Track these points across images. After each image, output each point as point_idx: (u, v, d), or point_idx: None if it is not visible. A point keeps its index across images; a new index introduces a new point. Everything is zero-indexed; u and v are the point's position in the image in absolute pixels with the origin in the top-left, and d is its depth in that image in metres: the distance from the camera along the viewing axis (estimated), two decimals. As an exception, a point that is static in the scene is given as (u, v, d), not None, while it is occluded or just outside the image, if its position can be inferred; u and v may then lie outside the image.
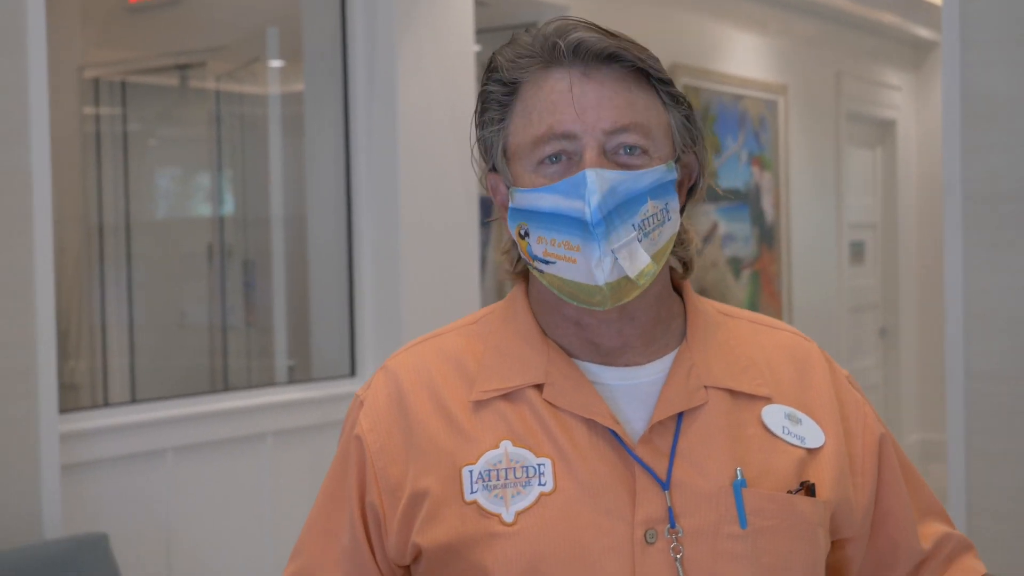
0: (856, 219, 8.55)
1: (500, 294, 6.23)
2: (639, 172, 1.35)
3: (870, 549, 1.51)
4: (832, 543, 1.47)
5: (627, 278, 1.33)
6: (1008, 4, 3.00)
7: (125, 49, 5.91)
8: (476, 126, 1.46)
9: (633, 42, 1.41)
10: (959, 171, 3.07)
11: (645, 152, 1.36)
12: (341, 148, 4.68)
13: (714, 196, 6.83)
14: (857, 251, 8.60)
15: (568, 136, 1.35)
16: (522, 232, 1.39)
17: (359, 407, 1.48)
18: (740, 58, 7.23)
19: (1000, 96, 3.02)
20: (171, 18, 5.62)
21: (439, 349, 1.48)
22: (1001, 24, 3.01)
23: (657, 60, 1.40)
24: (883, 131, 9.02)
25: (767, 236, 7.44)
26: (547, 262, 1.37)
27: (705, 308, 1.50)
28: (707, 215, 6.89)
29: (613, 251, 1.33)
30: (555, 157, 1.37)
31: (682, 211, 1.43)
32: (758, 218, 7.37)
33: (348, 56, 4.65)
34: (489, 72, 1.43)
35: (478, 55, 4.95)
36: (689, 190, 1.46)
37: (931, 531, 1.54)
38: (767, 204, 7.44)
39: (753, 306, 7.19)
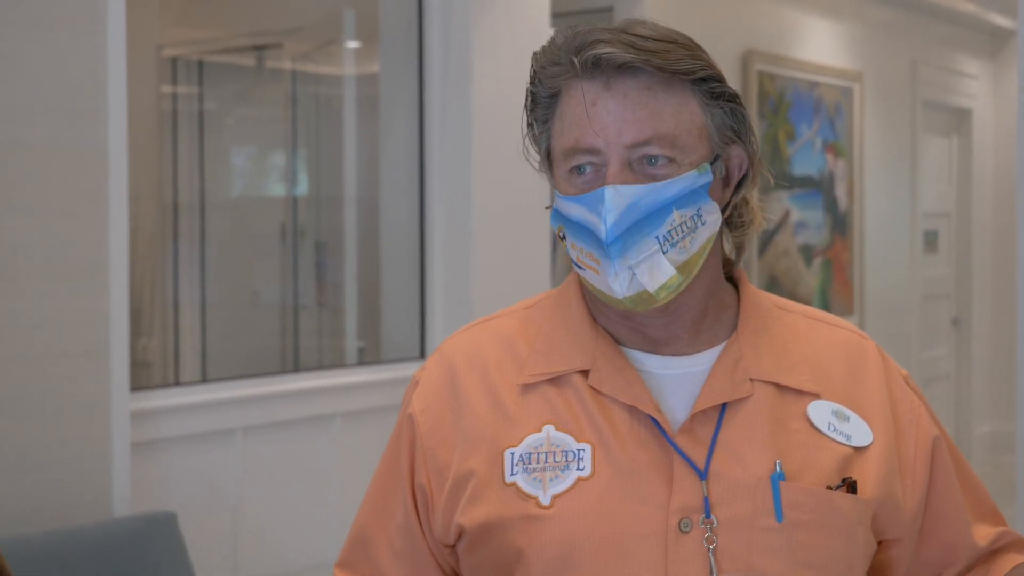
0: (930, 208, 8.48)
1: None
2: (663, 184, 1.34)
3: (923, 552, 1.48)
4: (879, 543, 1.45)
5: (646, 291, 1.34)
6: None
7: (203, 29, 5.97)
8: (527, 122, 1.48)
9: (671, 42, 1.36)
10: None
11: (672, 161, 1.35)
12: (415, 130, 4.68)
13: (786, 182, 6.83)
14: (931, 240, 8.53)
15: (592, 151, 1.36)
16: (561, 235, 1.42)
17: (414, 387, 1.51)
18: (815, 44, 7.17)
19: None
20: (249, 0, 5.67)
21: (494, 332, 1.49)
22: None
23: (695, 57, 1.37)
24: (959, 120, 8.92)
25: (840, 224, 7.38)
26: (580, 267, 1.40)
27: (760, 301, 1.48)
28: (780, 202, 6.84)
29: (631, 267, 1.33)
30: (581, 169, 1.37)
31: (725, 208, 1.42)
32: (831, 206, 7.31)
33: (424, 38, 4.64)
34: (532, 75, 1.44)
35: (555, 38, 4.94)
36: (741, 181, 1.45)
37: (985, 532, 1.51)
38: (840, 192, 7.38)
39: (824, 294, 7.15)
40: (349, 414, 4.32)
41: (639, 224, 1.32)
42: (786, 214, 6.91)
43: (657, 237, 1.33)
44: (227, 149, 6.15)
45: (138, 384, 3.91)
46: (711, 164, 1.37)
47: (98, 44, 3.41)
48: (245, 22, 5.82)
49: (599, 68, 1.35)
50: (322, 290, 5.59)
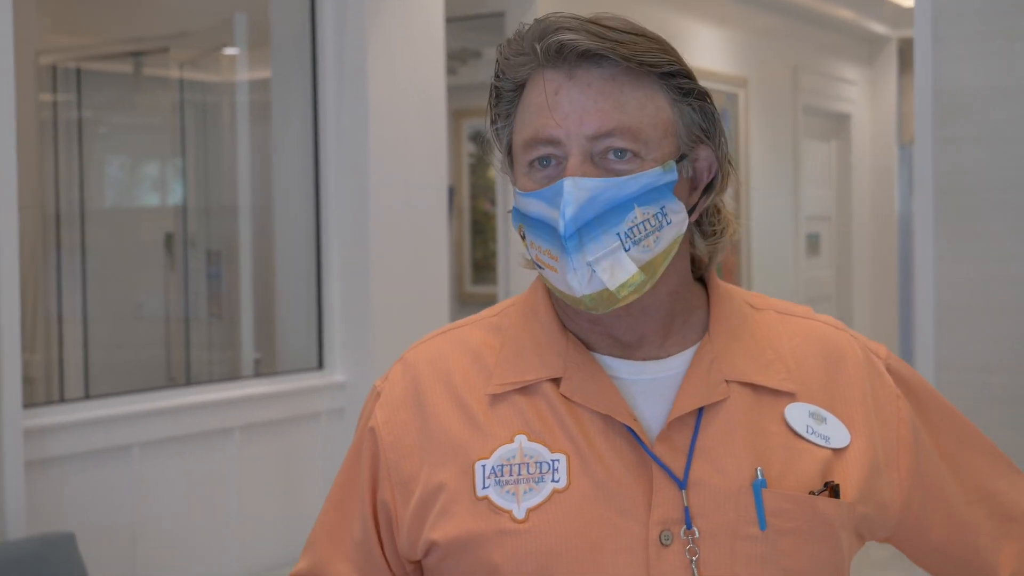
0: (812, 211, 8.65)
1: (458, 275, 6.22)
2: (623, 179, 1.30)
3: (933, 539, 1.46)
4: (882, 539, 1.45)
5: (607, 289, 1.30)
6: (978, 1, 3.05)
7: (82, 35, 5.88)
8: (490, 118, 1.42)
9: (637, 35, 1.33)
10: (930, 163, 3.13)
11: (636, 156, 1.31)
12: (309, 135, 4.65)
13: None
14: (813, 243, 8.69)
15: (552, 142, 1.32)
16: (522, 234, 1.38)
17: (376, 398, 1.46)
18: (701, 51, 7.26)
19: (969, 90, 3.10)
20: (132, 2, 5.58)
21: (458, 341, 1.45)
22: (971, 20, 3.08)
23: (663, 52, 1.33)
24: (838, 124, 9.12)
25: (727, 228, 7.47)
26: (540, 267, 1.36)
27: (732, 299, 1.45)
28: (669, 207, 6.91)
29: (590, 263, 1.29)
30: (544, 160, 1.33)
31: (692, 210, 1.38)
32: (718, 210, 7.39)
33: (317, 42, 4.62)
34: (496, 69, 1.40)
35: (446, 44, 4.96)
36: (711, 183, 1.40)
37: (1006, 507, 1.49)
38: (727, 195, 7.46)
39: (712, 298, 7.24)
40: (248, 426, 4.29)
41: (599, 219, 1.28)
42: (675, 218, 6.98)
43: (618, 234, 1.29)
44: (107, 158, 6.05)
45: (30, 403, 3.84)
46: (677, 163, 1.33)
47: (-19, 49, 3.35)
48: (127, 28, 5.74)
49: (562, 56, 1.31)
50: (215, 301, 5.52)
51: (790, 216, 8.26)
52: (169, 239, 5.65)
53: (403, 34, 4.66)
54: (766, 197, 7.94)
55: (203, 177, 5.69)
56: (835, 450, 1.36)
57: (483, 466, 1.33)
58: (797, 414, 1.37)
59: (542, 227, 1.31)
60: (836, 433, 1.37)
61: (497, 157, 1.43)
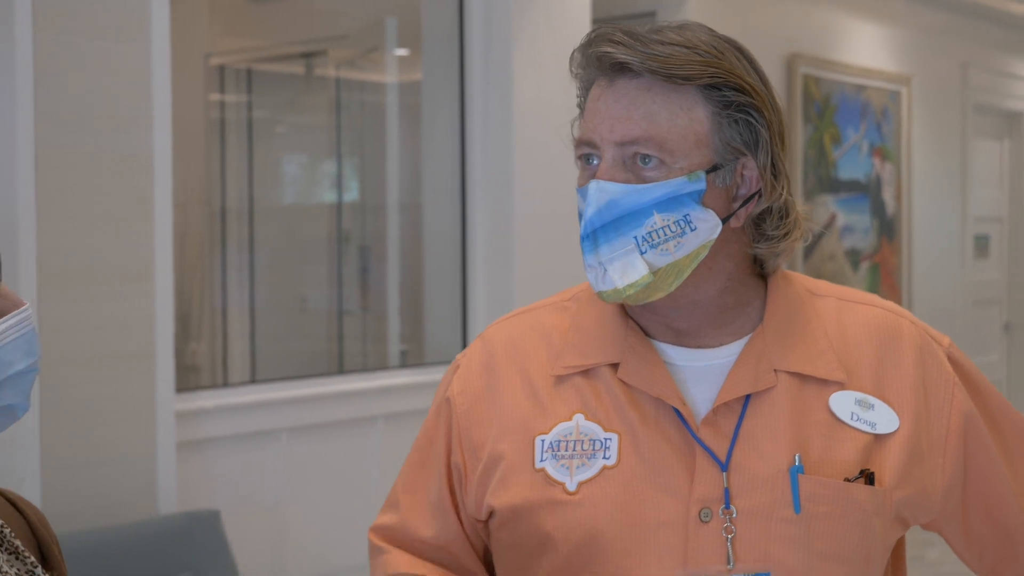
0: (981, 212, 8.37)
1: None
2: (645, 186, 1.34)
3: (974, 530, 1.47)
4: (924, 525, 1.46)
5: (616, 288, 1.35)
6: None
7: (251, 38, 5.99)
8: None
9: (682, 46, 1.35)
10: None
11: (663, 163, 1.35)
12: (457, 136, 4.69)
13: (833, 186, 6.76)
14: (981, 244, 8.43)
15: (591, 144, 1.39)
16: None
17: (454, 370, 1.54)
18: (862, 48, 7.12)
19: None
20: (295, 7, 5.68)
21: (533, 322, 1.52)
22: None
23: (709, 65, 1.35)
24: (1011, 123, 8.81)
25: (887, 228, 7.33)
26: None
27: (792, 288, 1.48)
28: (825, 206, 6.81)
29: (603, 263, 1.35)
30: (587, 159, 1.40)
31: (727, 218, 1.39)
32: (878, 209, 7.26)
33: (465, 46, 4.65)
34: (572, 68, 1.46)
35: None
36: (754, 196, 1.41)
37: None
38: (888, 195, 7.33)
39: (872, 299, 7.08)
40: (392, 416, 4.34)
41: (617, 222, 1.34)
42: (832, 218, 6.88)
43: (635, 237, 1.34)
44: (276, 156, 6.18)
45: (188, 386, 3.94)
46: (709, 172, 1.36)
47: (143, 52, 3.46)
48: (292, 30, 5.84)
49: (604, 66, 1.37)
50: (366, 294, 5.60)
51: (956, 216, 8.04)
52: (329, 236, 5.76)
53: (549, 36, 4.67)
54: (930, 197, 7.74)
55: (359, 176, 5.78)
56: (878, 436, 1.39)
57: (542, 440, 1.40)
58: (843, 402, 1.40)
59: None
60: (883, 419, 1.40)
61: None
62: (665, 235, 1.35)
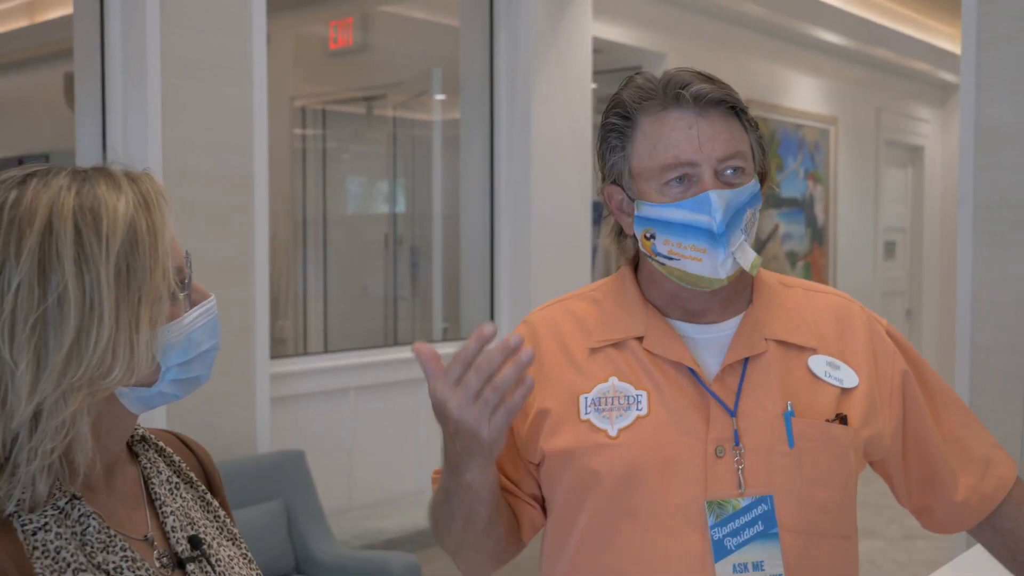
0: (890, 224, 8.37)
1: (606, 271, 6.19)
2: (742, 189, 1.33)
3: (909, 469, 1.46)
4: (872, 463, 1.45)
5: (740, 269, 1.33)
6: (1014, 54, 2.96)
7: (326, 84, 6.00)
8: (599, 150, 1.43)
9: (725, 84, 1.37)
10: (972, 185, 3.04)
11: (744, 172, 1.34)
12: (487, 162, 4.70)
13: (777, 202, 6.74)
14: (890, 249, 8.43)
15: (690, 164, 1.33)
16: (648, 235, 1.38)
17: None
18: (799, 95, 7.12)
19: (1006, 126, 2.99)
20: (361, 61, 5.69)
21: (567, 309, 1.49)
22: (1008, 69, 2.99)
23: (741, 101, 1.37)
24: (913, 155, 8.81)
25: (818, 235, 7.32)
26: (671, 259, 1.36)
27: (769, 279, 1.47)
28: (770, 218, 6.79)
29: (732, 252, 1.33)
30: (679, 179, 1.35)
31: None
32: (811, 221, 7.25)
33: (494, 92, 4.67)
34: (612, 108, 1.41)
35: (595, 91, 4.95)
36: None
37: (968, 449, 1.47)
38: (819, 210, 7.32)
39: (805, 291, 7.10)
40: (436, 378, 4.35)
41: (733, 219, 1.33)
42: (776, 227, 6.87)
43: (742, 229, 1.33)
44: (344, 177, 6.19)
45: (276, 354, 3.95)
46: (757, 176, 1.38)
47: (246, 95, 3.47)
48: (358, 78, 5.86)
49: (697, 101, 1.34)
50: (415, 284, 5.60)
51: (871, 227, 8.03)
52: (386, 238, 5.76)
53: (560, 84, 4.68)
54: (852, 212, 7.74)
55: (410, 192, 5.79)
56: (845, 389, 1.38)
57: (585, 398, 1.37)
58: (817, 363, 1.39)
59: (689, 229, 1.33)
60: (847, 377, 1.39)
61: (598, 179, 1.45)
62: (752, 224, 1.36)
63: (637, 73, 1.40)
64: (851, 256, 7.69)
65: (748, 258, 1.33)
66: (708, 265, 1.34)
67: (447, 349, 4.35)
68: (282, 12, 5.08)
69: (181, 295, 1.01)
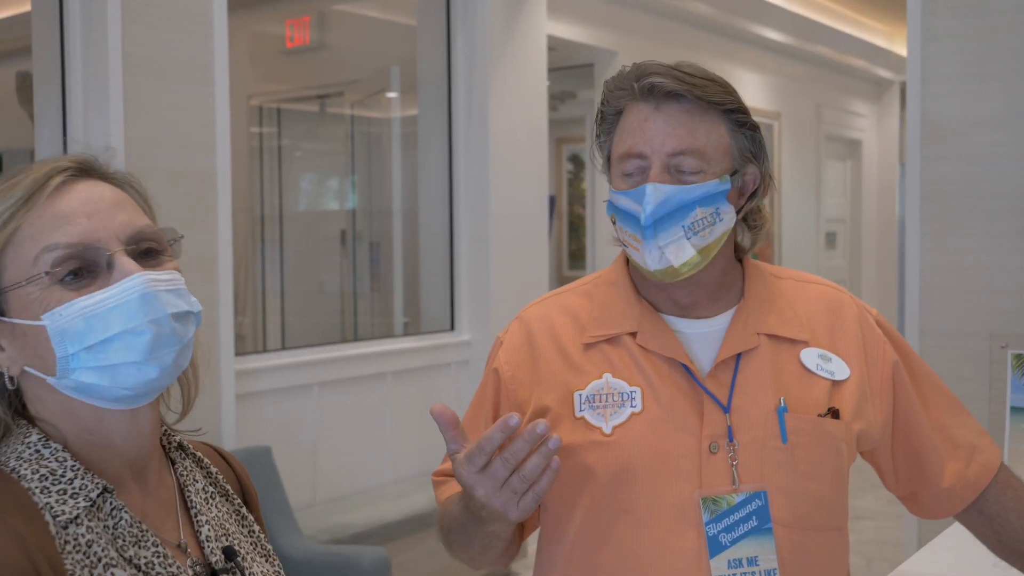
0: (830, 215, 8.46)
1: (557, 265, 6.16)
2: (690, 187, 1.30)
3: (898, 458, 1.45)
4: (863, 453, 1.44)
5: (672, 266, 1.31)
6: (957, 51, 3.00)
7: (282, 83, 5.95)
8: (596, 136, 1.43)
9: (710, 80, 1.34)
10: (919, 176, 3.07)
11: (701, 170, 1.31)
12: (445, 158, 4.67)
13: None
14: (831, 239, 8.52)
15: (641, 155, 1.33)
16: (613, 220, 1.38)
17: (499, 346, 1.47)
18: (744, 91, 7.04)
19: (950, 120, 3.03)
20: (318, 59, 5.64)
21: (560, 304, 1.46)
22: (952, 66, 3.03)
23: (727, 93, 1.34)
24: (852, 148, 8.91)
25: (763, 228, 7.37)
26: (625, 246, 1.36)
27: (761, 272, 1.45)
28: (718, 211, 6.83)
29: (661, 247, 1.30)
30: (636, 170, 1.34)
31: (739, 211, 1.38)
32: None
33: (452, 89, 4.64)
34: (603, 98, 1.40)
35: (548, 88, 4.94)
36: (754, 192, 1.40)
37: (954, 437, 1.47)
38: (764, 202, 7.36)
39: (752, 281, 7.15)
40: (398, 372, 4.33)
41: (670, 215, 1.30)
42: (723, 220, 6.90)
43: (683, 226, 1.30)
44: (299, 175, 6.14)
45: (236, 351, 3.90)
46: (731, 176, 1.34)
47: (208, 94, 3.40)
48: (314, 77, 5.81)
49: (652, 93, 1.32)
50: (375, 279, 5.57)
51: (813, 218, 8.11)
52: (343, 234, 5.72)
53: (516, 81, 4.67)
54: (794, 204, 7.81)
55: (367, 188, 5.74)
56: (836, 382, 1.37)
57: (580, 395, 1.35)
58: (809, 356, 1.38)
59: (629, 217, 1.33)
60: (839, 369, 1.38)
61: (598, 161, 1.44)
62: (703, 224, 1.32)
63: (630, 66, 1.38)
64: (794, 245, 7.76)
65: (681, 256, 1.31)
66: (640, 255, 1.33)
67: (408, 344, 4.28)
68: (238, 11, 5.00)
69: (81, 277, 0.94)
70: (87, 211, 0.96)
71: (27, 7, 3.37)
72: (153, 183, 3.76)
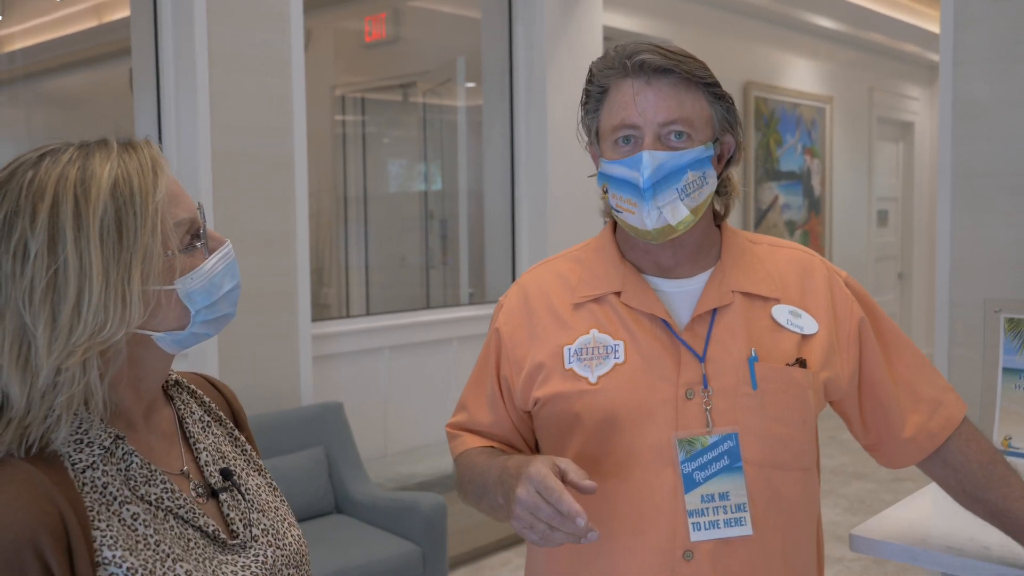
0: (882, 194, 8.28)
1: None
2: (681, 152, 1.33)
3: (865, 410, 1.46)
4: (832, 403, 1.45)
5: (669, 224, 1.33)
6: (989, 34, 2.93)
7: (362, 74, 6.00)
8: (581, 113, 1.45)
9: (690, 58, 1.36)
10: (950, 155, 3.02)
11: (688, 137, 1.34)
12: (507, 143, 4.69)
13: (776, 175, 6.66)
14: (883, 217, 8.33)
15: (634, 126, 1.35)
16: (604, 190, 1.40)
17: (500, 309, 1.52)
18: (797, 77, 7.04)
19: (981, 101, 2.97)
20: (394, 52, 5.68)
21: (553, 269, 1.50)
22: (983, 48, 2.96)
23: (706, 69, 1.36)
24: (904, 130, 8.69)
25: (815, 205, 7.25)
26: (619, 211, 1.38)
27: (737, 237, 1.47)
28: (770, 190, 6.74)
29: (659, 207, 1.32)
30: (626, 139, 1.36)
31: (720, 175, 1.41)
32: (809, 192, 7.18)
33: (513, 79, 4.66)
34: (588, 78, 1.43)
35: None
36: (729, 159, 1.43)
37: (918, 391, 1.47)
38: (816, 182, 7.25)
39: (803, 256, 7.04)
40: (463, 338, 4.38)
41: (665, 179, 1.32)
42: (775, 198, 6.82)
43: (676, 188, 1.33)
44: (381, 159, 6.20)
45: (320, 318, 3.98)
46: (714, 142, 1.37)
47: (286, 85, 3.49)
48: (391, 68, 5.85)
49: (643, 69, 1.34)
50: (445, 254, 5.61)
51: (864, 197, 7.95)
52: (423, 212, 5.77)
53: (573, 70, 4.66)
54: (846, 184, 7.66)
55: (439, 172, 5.79)
56: (805, 336, 1.38)
57: (568, 349, 1.38)
58: (780, 312, 1.39)
59: (625, 184, 1.34)
60: (807, 324, 1.39)
61: (582, 139, 1.45)
62: (694, 186, 1.34)
63: (614, 48, 1.40)
64: (846, 224, 7.62)
65: (677, 215, 1.33)
66: (637, 217, 1.34)
67: (472, 312, 4.36)
68: (321, 9, 5.09)
69: (198, 244, 1.02)
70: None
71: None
72: (236, 165, 3.90)
